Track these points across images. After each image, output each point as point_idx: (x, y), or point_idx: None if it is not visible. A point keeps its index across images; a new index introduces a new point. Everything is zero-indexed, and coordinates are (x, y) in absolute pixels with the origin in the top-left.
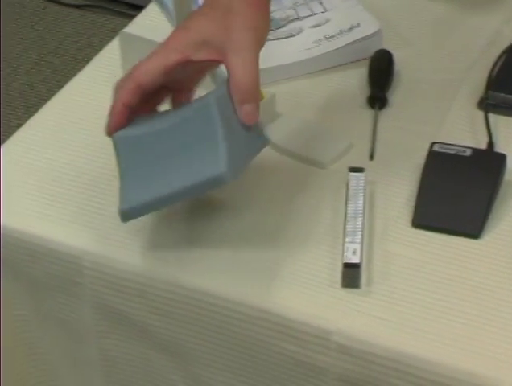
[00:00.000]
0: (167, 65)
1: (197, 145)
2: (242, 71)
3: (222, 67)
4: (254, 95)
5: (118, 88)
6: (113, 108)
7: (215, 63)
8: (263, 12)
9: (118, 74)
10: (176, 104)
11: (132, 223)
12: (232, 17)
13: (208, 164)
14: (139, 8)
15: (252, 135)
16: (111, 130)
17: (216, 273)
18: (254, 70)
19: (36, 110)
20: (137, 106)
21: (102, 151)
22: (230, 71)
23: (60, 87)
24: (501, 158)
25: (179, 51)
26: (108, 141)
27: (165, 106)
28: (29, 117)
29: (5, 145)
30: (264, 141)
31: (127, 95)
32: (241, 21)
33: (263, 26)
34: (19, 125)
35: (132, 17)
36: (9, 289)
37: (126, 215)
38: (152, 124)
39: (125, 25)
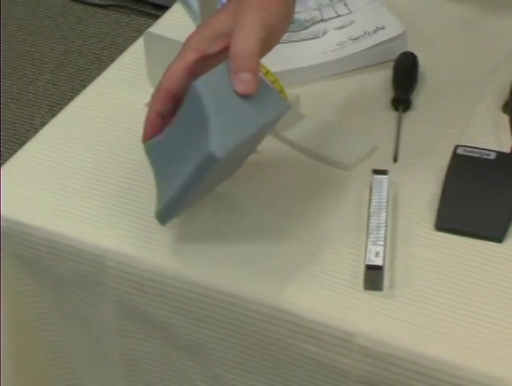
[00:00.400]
0: (187, 65)
1: (193, 133)
2: (238, 40)
3: None
4: (250, 63)
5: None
6: (146, 117)
7: None
8: (281, 3)
9: (143, 74)
10: None
11: (155, 222)
12: (241, 4)
13: (200, 147)
14: (164, 8)
15: (261, 105)
16: (145, 140)
17: (238, 274)
18: (251, 39)
19: (60, 109)
20: (171, 113)
21: (127, 151)
22: (230, 43)
23: (84, 86)
24: None
25: (195, 48)
26: (132, 141)
27: None
28: (52, 116)
29: (28, 144)
30: (283, 106)
31: (158, 104)
32: (248, 4)
33: (274, 11)
34: (43, 124)
35: (156, 17)
36: (32, 287)
37: (159, 219)
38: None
39: (149, 25)
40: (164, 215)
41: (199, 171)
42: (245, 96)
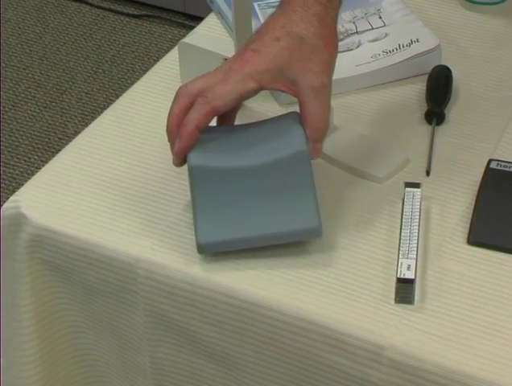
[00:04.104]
0: (244, 92)
1: (288, 192)
2: (322, 115)
3: None
4: (325, 135)
5: (181, 96)
6: (184, 129)
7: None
8: (336, 50)
9: (176, 84)
10: (222, 119)
11: (187, 232)
12: (309, 54)
13: (302, 215)
14: (197, 19)
15: None
16: (182, 152)
17: (269, 285)
18: (328, 115)
19: (93, 118)
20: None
21: (159, 160)
22: (308, 112)
23: (117, 96)
24: None
25: (256, 80)
26: (164, 150)
27: None
28: (86, 124)
29: (62, 153)
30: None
31: (202, 118)
32: (319, 62)
33: (334, 64)
34: (76, 133)
35: (190, 27)
36: (63, 294)
37: (204, 249)
38: (233, 156)
39: (182, 35)
40: (212, 249)
41: (293, 237)
42: None
